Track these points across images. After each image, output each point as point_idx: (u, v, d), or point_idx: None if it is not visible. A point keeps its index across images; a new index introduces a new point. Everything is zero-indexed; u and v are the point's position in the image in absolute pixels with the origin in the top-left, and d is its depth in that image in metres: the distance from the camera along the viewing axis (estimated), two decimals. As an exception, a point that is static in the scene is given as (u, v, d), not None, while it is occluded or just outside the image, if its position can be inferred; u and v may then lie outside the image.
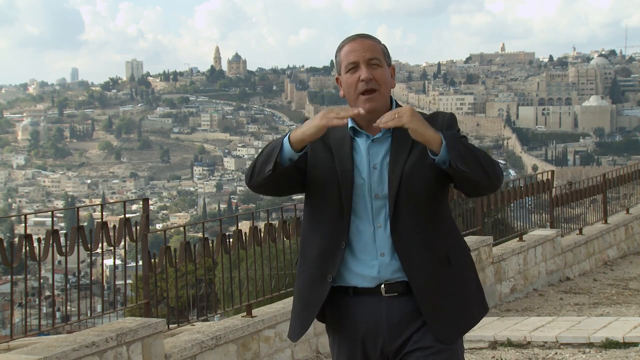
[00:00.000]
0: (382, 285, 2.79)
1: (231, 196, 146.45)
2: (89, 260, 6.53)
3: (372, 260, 2.80)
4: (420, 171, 2.77)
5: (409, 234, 2.77)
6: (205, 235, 6.18)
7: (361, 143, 2.85)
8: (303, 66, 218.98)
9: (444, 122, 2.84)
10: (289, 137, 2.75)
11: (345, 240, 2.80)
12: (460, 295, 2.83)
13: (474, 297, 2.90)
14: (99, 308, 6.39)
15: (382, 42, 2.91)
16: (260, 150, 2.88)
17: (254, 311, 6.49)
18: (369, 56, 2.82)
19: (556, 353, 6.45)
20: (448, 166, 2.67)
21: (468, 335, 2.97)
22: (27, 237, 4.90)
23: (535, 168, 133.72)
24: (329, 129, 2.83)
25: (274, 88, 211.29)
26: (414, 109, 2.69)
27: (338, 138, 2.86)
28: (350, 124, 2.87)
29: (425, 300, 2.77)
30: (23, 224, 5.13)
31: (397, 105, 2.90)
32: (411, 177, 2.77)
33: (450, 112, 2.94)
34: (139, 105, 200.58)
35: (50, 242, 5.03)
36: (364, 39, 2.87)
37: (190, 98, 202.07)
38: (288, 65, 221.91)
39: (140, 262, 5.93)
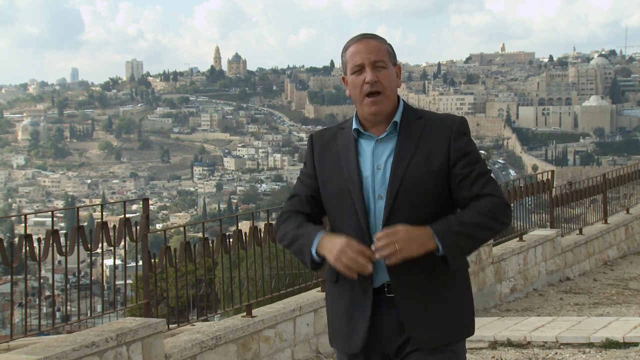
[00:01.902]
0: (385, 287, 2.78)
1: (231, 196, 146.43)
2: (89, 260, 6.53)
3: (377, 262, 2.76)
4: (424, 176, 2.75)
5: None
6: (205, 235, 6.18)
7: (366, 144, 2.83)
8: (303, 66, 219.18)
9: (452, 131, 2.80)
10: (316, 250, 2.75)
11: (368, 241, 2.76)
12: (447, 306, 2.78)
13: (464, 311, 2.84)
14: (99, 308, 6.39)
15: (388, 42, 2.87)
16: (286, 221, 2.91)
17: (254, 311, 6.49)
18: (374, 58, 2.79)
19: (556, 353, 6.44)
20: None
21: (468, 336, 2.94)
22: (27, 237, 4.89)
23: (535, 168, 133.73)
24: (336, 134, 2.89)
25: (274, 88, 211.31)
26: (407, 230, 2.64)
27: (344, 142, 2.86)
28: (354, 126, 2.86)
29: (405, 306, 2.75)
30: (23, 224, 5.13)
31: (405, 105, 2.88)
32: (413, 179, 2.74)
33: (462, 117, 2.87)
34: (139, 105, 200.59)
35: (50, 242, 5.03)
36: (369, 40, 2.83)
37: (190, 98, 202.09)
38: (288, 65, 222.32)
39: (140, 262, 5.93)
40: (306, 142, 3.03)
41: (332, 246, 2.70)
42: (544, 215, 11.03)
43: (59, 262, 5.41)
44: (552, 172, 11.27)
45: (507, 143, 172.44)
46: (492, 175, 2.84)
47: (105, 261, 6.13)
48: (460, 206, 2.80)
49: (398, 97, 2.88)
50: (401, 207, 2.74)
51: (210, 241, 6.21)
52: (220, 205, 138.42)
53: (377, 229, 2.75)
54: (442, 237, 2.66)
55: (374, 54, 2.80)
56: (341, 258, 2.66)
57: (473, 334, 2.89)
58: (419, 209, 2.74)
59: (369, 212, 2.77)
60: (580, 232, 11.42)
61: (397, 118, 2.83)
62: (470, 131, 2.88)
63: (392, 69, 2.84)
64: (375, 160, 2.80)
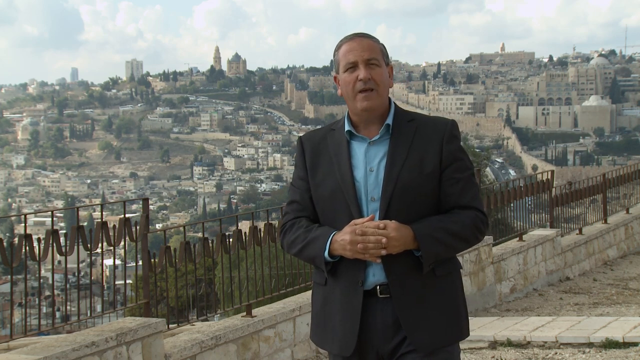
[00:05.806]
0: (378, 287, 2.78)
1: (231, 196, 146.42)
2: (88, 260, 6.53)
3: (369, 264, 2.78)
4: (417, 179, 2.76)
5: None
6: (205, 235, 6.18)
7: (358, 146, 2.84)
8: (303, 66, 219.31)
9: (444, 133, 2.81)
10: (329, 252, 2.76)
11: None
12: (443, 308, 2.79)
13: (460, 312, 2.85)
14: (98, 308, 6.39)
15: (381, 42, 2.89)
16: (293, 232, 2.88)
17: (254, 311, 6.49)
18: (367, 56, 2.81)
19: (556, 353, 6.44)
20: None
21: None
22: (27, 237, 4.89)
23: (535, 168, 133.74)
24: (327, 136, 2.89)
25: (274, 88, 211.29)
26: (397, 229, 2.68)
27: (336, 144, 2.86)
28: (346, 127, 2.86)
29: (402, 307, 2.75)
30: (23, 224, 5.13)
31: (396, 107, 2.88)
32: (407, 183, 2.74)
33: (452, 120, 2.88)
34: (139, 105, 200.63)
35: (50, 242, 5.02)
36: (362, 39, 2.85)
37: (190, 98, 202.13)
38: (288, 65, 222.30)
39: (140, 262, 5.93)
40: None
41: (343, 244, 2.73)
42: (543, 215, 11.04)
43: (59, 262, 5.41)
44: (552, 172, 11.27)
45: (507, 143, 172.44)
46: (478, 186, 2.87)
47: (105, 261, 6.13)
48: (443, 205, 2.82)
49: (389, 99, 2.89)
50: (396, 209, 2.75)
51: (210, 241, 6.21)
52: (220, 205, 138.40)
53: None
54: (422, 241, 2.70)
55: (367, 52, 2.82)
56: (352, 246, 2.69)
57: (469, 335, 2.90)
58: (413, 211, 2.76)
59: (362, 215, 2.77)
60: (580, 232, 11.42)
61: (389, 121, 2.84)
62: (460, 134, 2.91)
63: (384, 68, 2.85)
64: (368, 163, 2.80)
